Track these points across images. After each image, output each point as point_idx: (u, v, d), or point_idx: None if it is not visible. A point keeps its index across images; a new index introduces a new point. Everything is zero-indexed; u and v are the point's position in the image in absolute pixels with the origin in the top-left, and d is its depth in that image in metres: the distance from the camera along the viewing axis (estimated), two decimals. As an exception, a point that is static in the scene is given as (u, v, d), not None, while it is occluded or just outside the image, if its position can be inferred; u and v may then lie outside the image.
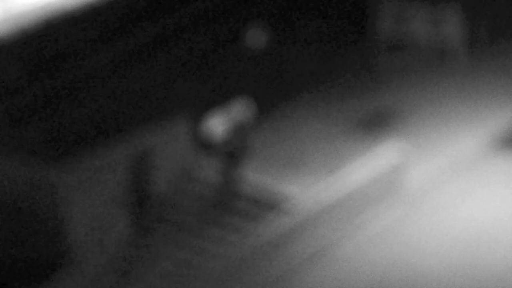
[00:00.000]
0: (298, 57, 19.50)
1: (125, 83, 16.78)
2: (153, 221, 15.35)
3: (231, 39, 17.95)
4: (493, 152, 16.41)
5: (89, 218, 14.37)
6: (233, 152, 15.10)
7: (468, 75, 19.57)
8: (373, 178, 14.90)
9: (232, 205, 15.09)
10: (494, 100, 18.21)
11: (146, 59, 16.78)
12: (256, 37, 18.03)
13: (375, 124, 17.61)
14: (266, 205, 14.88)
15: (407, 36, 20.19)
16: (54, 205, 14.15)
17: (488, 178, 15.75)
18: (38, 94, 16.21)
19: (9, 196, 14.31)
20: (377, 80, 19.73)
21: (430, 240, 14.38)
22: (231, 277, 13.86)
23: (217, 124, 16.62)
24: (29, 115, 16.12)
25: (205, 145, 16.52)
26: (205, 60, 17.63)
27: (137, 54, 16.71)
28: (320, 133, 17.36)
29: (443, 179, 15.80)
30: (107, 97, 16.68)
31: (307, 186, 14.85)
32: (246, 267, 14.03)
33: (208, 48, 17.65)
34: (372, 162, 15.08)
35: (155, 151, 15.52)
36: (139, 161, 14.90)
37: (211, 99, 17.24)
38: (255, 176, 15.66)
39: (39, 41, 15.95)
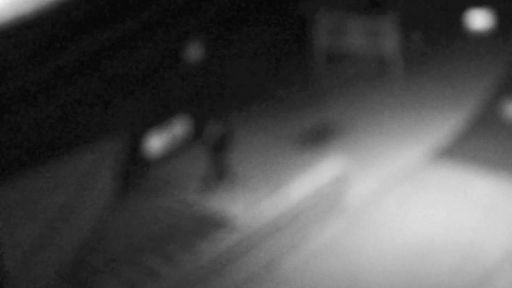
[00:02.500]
0: (238, 72, 19.43)
1: (62, 101, 16.49)
2: (98, 239, 15.39)
3: (171, 55, 17.78)
4: (432, 164, 16.52)
5: (28, 238, 14.19)
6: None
7: (406, 87, 19.78)
8: (315, 192, 14.95)
9: (179, 224, 15.24)
10: (432, 112, 18.41)
11: (83, 77, 16.49)
12: (196, 52, 17.90)
13: (317, 138, 17.65)
14: (211, 223, 14.88)
15: (345, 48, 20.36)
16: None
17: (428, 189, 15.86)
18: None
19: None
20: (317, 93, 19.80)
21: (372, 252, 14.48)
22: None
23: (157, 141, 16.69)
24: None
25: (145, 162, 16.55)
26: (145, 76, 17.42)
27: (74, 70, 16.42)
28: (262, 148, 17.33)
29: (384, 192, 15.89)
30: (43, 115, 16.36)
31: (251, 202, 14.87)
32: (195, 284, 14.03)
33: (148, 65, 17.43)
34: (314, 177, 15.14)
35: (93, 169, 15.47)
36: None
37: (151, 116, 17.06)
38: (199, 194, 15.65)
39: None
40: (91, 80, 16.12)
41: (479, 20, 21.20)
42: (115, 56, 16.48)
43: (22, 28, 15.64)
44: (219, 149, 15.22)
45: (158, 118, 17.24)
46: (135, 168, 16.37)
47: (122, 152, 16.07)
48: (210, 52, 18.30)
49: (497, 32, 21.49)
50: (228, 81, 19.18)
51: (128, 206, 15.93)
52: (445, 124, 17.83)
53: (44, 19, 15.89)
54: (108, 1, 16.79)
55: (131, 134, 16.44)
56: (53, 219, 15.01)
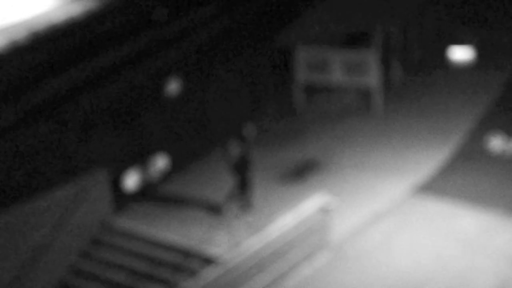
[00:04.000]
0: (221, 106, 19.35)
1: (40, 137, 16.37)
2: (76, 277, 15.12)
3: (151, 91, 17.71)
4: (417, 198, 16.47)
5: (4, 278, 13.95)
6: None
7: (388, 120, 19.72)
8: (300, 227, 14.83)
9: (161, 259, 15.07)
10: (416, 145, 18.35)
11: (60, 111, 16.40)
12: (175, 87, 17.82)
13: (301, 173, 17.51)
14: (195, 257, 14.68)
15: (326, 81, 20.32)
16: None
17: (413, 224, 15.78)
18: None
19: None
20: (299, 127, 19.74)
21: (357, 285, 14.23)
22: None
23: (134, 178, 16.66)
24: None
25: (124, 197, 16.47)
26: (123, 113, 17.33)
27: (51, 105, 16.32)
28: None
29: (369, 226, 15.77)
30: (20, 152, 16.26)
31: (236, 236, 14.72)
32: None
33: (127, 100, 17.36)
34: (299, 211, 15.05)
35: (74, 204, 15.35)
36: None
37: (130, 152, 17.02)
38: (184, 227, 15.56)
39: None
40: (69, 115, 16.01)
41: (460, 53, 21.41)
42: (94, 90, 16.39)
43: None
44: (241, 169, 15.66)
45: (137, 154, 17.18)
46: (116, 203, 16.25)
47: (102, 188, 15.93)
48: (190, 87, 18.22)
49: (479, 65, 21.68)
50: (208, 116, 19.13)
51: (107, 241, 15.84)
52: (429, 158, 17.82)
53: (22, 53, 15.85)
54: (86, 36, 16.80)
55: (111, 170, 16.31)
56: (29, 259, 14.84)
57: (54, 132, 15.45)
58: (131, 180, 16.58)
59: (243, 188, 15.97)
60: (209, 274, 13.74)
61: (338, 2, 21.54)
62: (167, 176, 17.35)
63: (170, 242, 15.25)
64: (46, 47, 16.30)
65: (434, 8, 24.24)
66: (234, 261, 13.97)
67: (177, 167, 17.74)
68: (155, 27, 17.85)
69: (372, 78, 19.90)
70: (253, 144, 16.03)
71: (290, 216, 14.83)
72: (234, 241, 14.38)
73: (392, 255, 14.88)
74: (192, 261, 14.57)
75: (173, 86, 17.73)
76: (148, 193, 16.82)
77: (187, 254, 14.80)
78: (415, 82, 21.55)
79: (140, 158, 17.06)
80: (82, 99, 16.01)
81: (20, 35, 16.11)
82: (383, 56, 20.28)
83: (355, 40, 22.33)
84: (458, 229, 15.43)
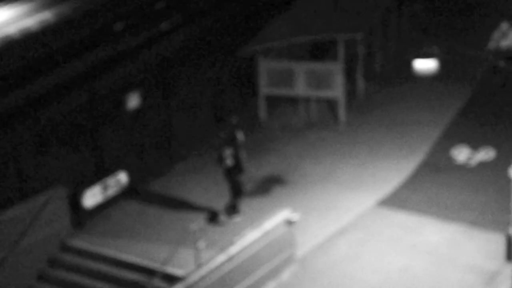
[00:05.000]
0: (183, 119, 19.11)
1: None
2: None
3: (111, 106, 17.43)
4: (383, 211, 16.37)
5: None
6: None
7: (354, 133, 19.60)
8: (267, 242, 14.63)
9: (123, 279, 14.72)
10: (382, 158, 18.27)
11: (17, 126, 16.02)
12: (137, 101, 17.55)
13: (267, 188, 17.26)
14: (159, 277, 14.28)
15: (291, 94, 20.12)
16: None
17: (379, 236, 15.69)
18: None
19: None
20: (263, 140, 19.48)
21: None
22: None
23: (94, 195, 16.28)
24: None
25: (84, 215, 16.07)
26: (82, 128, 17.01)
27: (8, 119, 15.96)
28: (209, 198, 17.01)
29: (335, 238, 15.60)
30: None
31: (202, 251, 14.31)
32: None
33: (85, 115, 17.04)
34: (265, 226, 14.81)
35: (29, 223, 14.89)
36: None
37: (89, 169, 16.72)
38: (147, 245, 15.26)
39: None
40: (24, 130, 15.64)
41: (424, 64, 21.56)
42: (51, 105, 16.04)
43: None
44: (232, 173, 15.94)
45: (97, 170, 16.79)
46: (74, 220, 15.84)
47: (59, 206, 15.50)
48: (151, 101, 17.96)
49: (443, 76, 21.80)
50: (170, 130, 18.82)
51: (65, 261, 15.36)
52: (395, 171, 17.72)
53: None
54: (42, 49, 16.49)
55: (69, 186, 15.90)
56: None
57: (8, 148, 15.08)
58: (91, 197, 16.27)
59: (234, 192, 16.05)
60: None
61: (301, 14, 21.54)
62: (128, 192, 17.07)
63: (132, 262, 14.89)
64: (0, 60, 15.94)
65: (397, 20, 24.39)
66: (198, 278, 13.68)
67: (138, 183, 17.49)
68: (114, 39, 17.61)
69: (337, 90, 19.79)
70: (243, 148, 16.04)
71: (255, 231, 14.65)
72: (200, 259, 14.07)
73: (359, 268, 14.75)
74: (156, 280, 14.24)
75: (133, 100, 17.47)
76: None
77: (150, 273, 14.47)
78: (379, 94, 21.50)
79: (100, 175, 16.70)
80: (38, 114, 15.65)
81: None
82: (347, 68, 20.24)
83: (319, 52, 22.32)
84: (425, 241, 15.37)
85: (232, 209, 16.12)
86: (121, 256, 15.04)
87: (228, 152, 15.75)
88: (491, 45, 20.10)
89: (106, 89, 16.87)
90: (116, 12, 18.68)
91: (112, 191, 16.61)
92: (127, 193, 16.92)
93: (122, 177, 16.88)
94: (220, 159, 15.84)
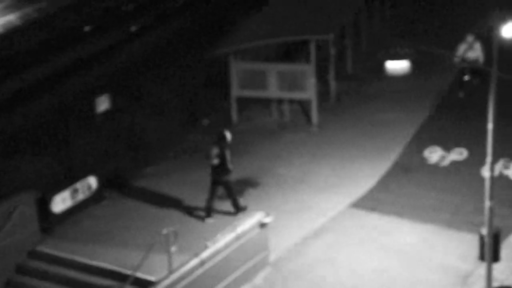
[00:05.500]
0: (154, 122, 18.96)
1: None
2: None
3: (80, 109, 17.20)
4: (354, 215, 16.33)
5: None
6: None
7: (327, 135, 19.52)
8: (240, 244, 14.53)
9: (94, 283, 14.51)
10: (354, 160, 18.22)
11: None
12: (107, 105, 17.34)
13: (240, 190, 17.07)
14: (130, 283, 14.07)
15: (263, 95, 20.00)
16: None
17: (353, 238, 15.63)
18: None
19: None
20: (235, 142, 19.38)
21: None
22: None
23: (63, 200, 16.05)
24: None
25: (51, 220, 15.82)
26: (51, 132, 16.77)
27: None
28: (181, 202, 16.83)
29: (307, 242, 15.53)
30: None
31: (175, 256, 14.07)
32: None
33: (54, 119, 16.80)
34: (237, 229, 14.69)
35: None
36: None
37: (58, 173, 16.48)
38: (117, 248, 15.07)
39: None
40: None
41: (396, 65, 21.63)
42: (18, 109, 15.78)
43: None
44: (220, 173, 16.12)
45: (66, 174, 16.53)
46: (43, 225, 15.57)
47: (28, 211, 15.23)
48: (121, 104, 17.77)
49: (415, 76, 21.89)
50: (141, 133, 18.66)
51: (34, 268, 15.05)
52: (368, 172, 17.69)
53: None
54: (8, 52, 16.24)
55: (38, 192, 15.64)
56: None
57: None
58: (60, 202, 15.99)
59: (227, 191, 16.18)
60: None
61: (272, 15, 21.48)
62: (98, 196, 16.83)
63: (103, 267, 14.66)
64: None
65: (368, 21, 24.45)
66: (170, 283, 13.51)
67: (109, 187, 17.26)
68: (83, 42, 17.40)
69: (309, 91, 19.73)
70: (230, 148, 16.18)
71: (228, 234, 14.52)
72: (172, 264, 13.91)
73: (333, 271, 14.67)
74: (127, 286, 14.02)
75: (103, 103, 17.25)
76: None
77: (121, 279, 14.25)
78: (351, 95, 21.50)
79: (69, 179, 16.44)
80: (5, 117, 15.40)
81: None
82: (318, 69, 20.17)
83: (291, 53, 22.28)
84: (399, 243, 15.32)
85: (209, 210, 16.08)
86: (91, 262, 14.79)
87: (215, 152, 15.86)
88: (457, 58, 20.20)
89: (75, 92, 16.65)
90: (85, 14, 18.48)
91: (82, 195, 16.42)
92: (97, 197, 16.74)
93: (92, 182, 16.69)
94: (208, 157, 16.08)
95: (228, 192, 16.18)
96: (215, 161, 15.92)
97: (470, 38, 19.83)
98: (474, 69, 19.80)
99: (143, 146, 18.48)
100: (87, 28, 17.87)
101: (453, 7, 25.91)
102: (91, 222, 16.21)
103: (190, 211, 16.47)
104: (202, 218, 16.03)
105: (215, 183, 16.05)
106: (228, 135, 15.96)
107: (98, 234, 15.75)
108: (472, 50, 19.67)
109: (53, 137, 16.41)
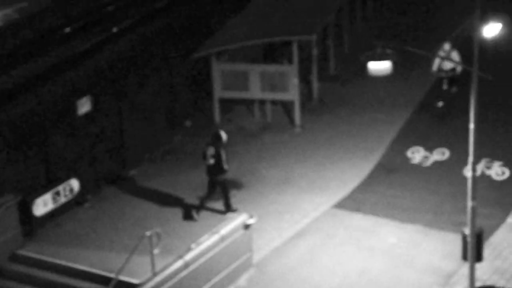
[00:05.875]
0: (137, 124, 18.71)
1: None
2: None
3: (61, 111, 17.05)
4: (337, 215, 16.32)
5: None
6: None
7: (311, 136, 19.48)
8: (224, 245, 14.48)
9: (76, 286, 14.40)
10: (337, 161, 18.21)
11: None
12: (88, 106, 17.22)
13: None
14: (113, 282, 13.92)
15: (246, 96, 19.90)
16: None
17: (334, 240, 15.62)
18: None
19: None
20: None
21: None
22: None
23: (45, 203, 15.92)
24: None
25: (33, 223, 15.69)
26: (32, 134, 16.61)
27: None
28: (165, 204, 16.75)
29: (290, 243, 15.50)
30: None
31: (158, 258, 13.97)
32: None
33: (34, 121, 16.63)
34: (221, 231, 14.64)
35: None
36: None
37: (39, 175, 16.23)
38: (100, 251, 15.00)
39: None
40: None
41: (378, 66, 21.56)
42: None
43: None
44: (215, 171, 16.24)
45: (48, 177, 16.39)
46: (25, 228, 15.44)
47: (8, 214, 15.08)
48: (102, 106, 17.63)
49: (398, 77, 21.91)
50: (123, 135, 18.45)
51: (16, 270, 14.91)
52: (352, 173, 17.69)
53: None
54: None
55: (19, 194, 15.50)
56: None
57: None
58: (41, 205, 15.86)
59: (222, 190, 16.27)
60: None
61: (254, 16, 21.43)
62: (80, 198, 16.71)
63: (85, 270, 14.54)
64: None
65: (350, 21, 24.45)
66: (154, 285, 13.41)
67: (90, 190, 17.15)
68: (63, 42, 17.21)
69: (292, 92, 19.73)
70: (226, 146, 16.31)
71: (211, 236, 14.47)
72: (155, 267, 13.83)
73: (317, 272, 14.67)
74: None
75: (84, 106, 17.12)
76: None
77: (104, 282, 14.13)
78: (334, 95, 21.48)
79: (51, 182, 16.29)
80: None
81: None
82: (301, 70, 20.13)
83: (273, 54, 22.23)
84: (382, 243, 15.35)
85: (200, 207, 16.17)
86: (73, 265, 14.68)
87: (210, 152, 15.96)
88: (434, 71, 20.06)
89: (56, 94, 16.46)
90: (65, 15, 18.30)
91: (63, 198, 16.29)
92: (79, 200, 16.61)
93: (74, 184, 16.56)
94: (204, 157, 16.15)
95: (223, 191, 16.27)
96: (211, 161, 16.00)
97: (447, 46, 19.48)
98: (451, 78, 19.60)
99: (126, 148, 18.36)
100: (67, 29, 17.69)
101: (436, 8, 26.05)
102: (73, 225, 16.11)
103: (174, 212, 16.40)
104: (187, 219, 15.98)
105: (212, 183, 16.18)
106: (224, 135, 16.06)
107: (80, 237, 15.65)
108: (449, 59, 19.32)
109: (34, 140, 16.22)
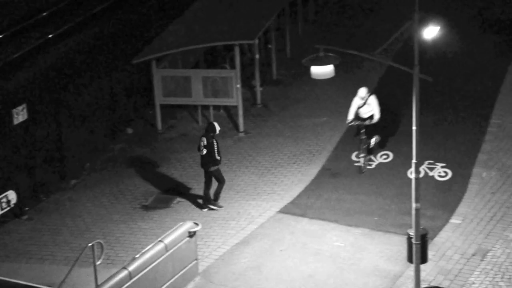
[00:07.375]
0: (78, 133, 18.36)
1: None
2: None
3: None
4: (282, 221, 16.20)
5: None
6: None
7: (252, 139, 19.46)
8: (169, 255, 14.19)
9: None
10: (283, 167, 18.14)
11: None
12: (24, 114, 16.74)
13: (164, 201, 16.94)
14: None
15: (188, 101, 19.71)
16: None
17: (280, 245, 15.48)
18: None
19: None
20: (162, 149, 19.08)
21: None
22: None
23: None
24: None
25: None
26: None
27: None
28: (105, 214, 16.56)
29: (236, 250, 15.34)
30: None
31: (101, 270, 13.55)
32: None
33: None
34: (165, 240, 14.35)
35: None
36: None
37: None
38: (41, 264, 14.52)
39: None
40: None
41: (321, 69, 21.65)
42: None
43: None
44: (208, 165, 16.55)
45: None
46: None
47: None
48: (40, 114, 17.20)
49: (340, 80, 22.02)
50: (62, 143, 18.08)
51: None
52: (297, 178, 17.63)
53: None
54: None
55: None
56: None
57: None
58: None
59: (217, 181, 16.49)
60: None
61: (196, 20, 21.24)
62: (18, 211, 16.23)
63: (24, 285, 13.84)
64: None
65: (292, 25, 24.50)
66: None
67: (29, 202, 16.66)
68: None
69: (234, 97, 19.61)
70: (217, 140, 16.45)
71: (156, 245, 14.22)
72: (98, 278, 13.49)
73: (263, 279, 14.51)
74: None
75: (20, 115, 16.68)
76: None
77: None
78: (277, 100, 21.46)
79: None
80: None
81: None
82: (243, 74, 20.03)
83: (215, 59, 22.09)
84: (329, 247, 15.30)
85: (207, 200, 16.46)
86: (11, 280, 13.90)
87: (203, 142, 16.31)
88: (349, 122, 17.91)
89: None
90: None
91: (0, 211, 15.83)
92: (17, 212, 16.13)
93: (12, 196, 16.09)
94: (198, 149, 16.52)
95: (207, 183, 16.51)
96: (203, 152, 16.30)
97: (363, 92, 17.74)
98: (370, 126, 17.80)
99: (66, 157, 17.97)
100: (0, 36, 17.22)
101: (380, 9, 26.28)
102: (11, 238, 15.68)
103: (118, 222, 16.13)
104: (136, 226, 15.80)
105: (206, 173, 16.55)
106: (217, 126, 16.29)
107: (18, 251, 15.22)
108: (366, 105, 17.66)
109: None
